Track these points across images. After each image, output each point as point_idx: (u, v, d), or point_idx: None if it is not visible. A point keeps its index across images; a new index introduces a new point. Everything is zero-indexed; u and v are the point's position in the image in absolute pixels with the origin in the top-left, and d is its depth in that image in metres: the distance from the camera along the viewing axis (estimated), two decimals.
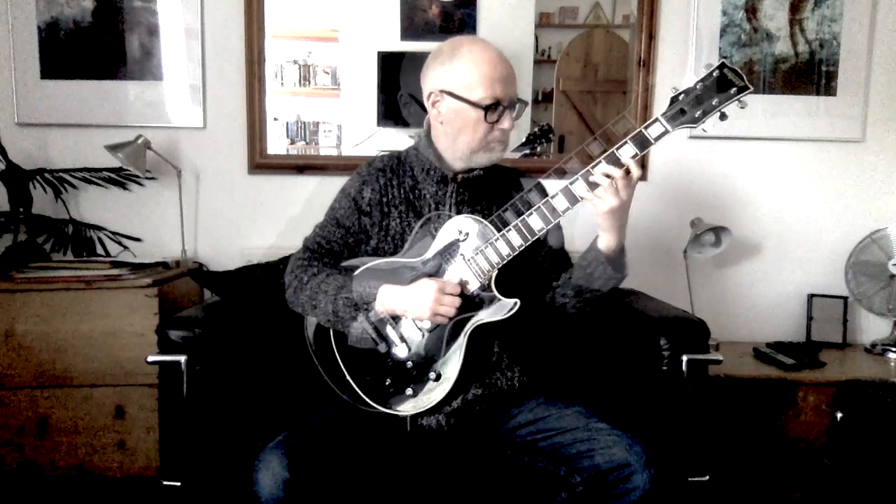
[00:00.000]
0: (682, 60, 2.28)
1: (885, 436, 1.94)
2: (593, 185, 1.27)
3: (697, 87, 1.26)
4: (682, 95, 1.26)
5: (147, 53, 2.24)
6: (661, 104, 2.28)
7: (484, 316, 1.32)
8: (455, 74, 1.36)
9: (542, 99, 2.41)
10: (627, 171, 1.26)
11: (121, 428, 1.93)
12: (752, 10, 2.27)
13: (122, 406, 1.92)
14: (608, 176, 1.25)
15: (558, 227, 1.40)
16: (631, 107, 2.30)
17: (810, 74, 2.29)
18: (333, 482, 1.21)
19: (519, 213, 1.33)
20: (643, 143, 1.26)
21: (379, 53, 2.33)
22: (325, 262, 1.45)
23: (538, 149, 2.35)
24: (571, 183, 1.29)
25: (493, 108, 1.35)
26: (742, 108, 1.26)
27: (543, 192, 1.35)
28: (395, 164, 1.49)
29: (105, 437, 1.93)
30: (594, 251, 1.37)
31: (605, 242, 1.35)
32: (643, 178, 2.26)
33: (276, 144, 2.34)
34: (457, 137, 1.39)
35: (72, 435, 1.92)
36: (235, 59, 2.24)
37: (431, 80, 1.40)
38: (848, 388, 1.96)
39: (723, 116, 1.26)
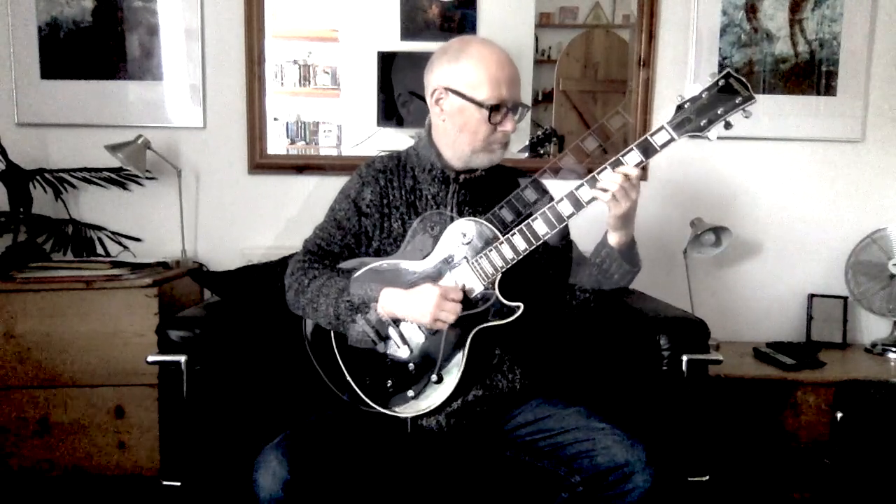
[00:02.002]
0: (682, 60, 2.28)
1: (885, 436, 1.94)
2: (604, 191, 1.28)
3: (703, 95, 1.27)
4: (688, 104, 1.28)
5: (147, 53, 2.23)
6: (660, 104, 2.28)
7: (487, 320, 1.32)
8: (462, 73, 1.35)
9: (542, 99, 2.41)
10: (628, 175, 1.28)
11: (121, 428, 1.93)
12: (752, 10, 2.26)
13: (122, 406, 1.92)
14: (618, 186, 1.27)
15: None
16: (629, 105, 2.30)
17: (810, 74, 2.29)
18: (333, 482, 1.21)
19: (516, 211, 1.34)
20: (648, 150, 1.29)
21: (379, 53, 2.33)
22: (326, 264, 1.45)
23: (541, 151, 2.35)
24: (577, 188, 1.30)
25: (496, 110, 1.35)
26: (746, 117, 1.27)
27: (539, 189, 1.37)
28: (395, 165, 1.48)
29: (105, 437, 1.93)
30: (607, 248, 1.38)
31: (616, 240, 1.37)
32: (643, 178, 2.27)
33: (276, 144, 2.34)
34: (458, 136, 1.38)
35: (72, 435, 1.92)
36: (235, 59, 2.24)
37: (437, 77, 1.39)
38: (848, 388, 1.96)
39: (727, 125, 1.27)
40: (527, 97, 2.33)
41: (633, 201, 1.30)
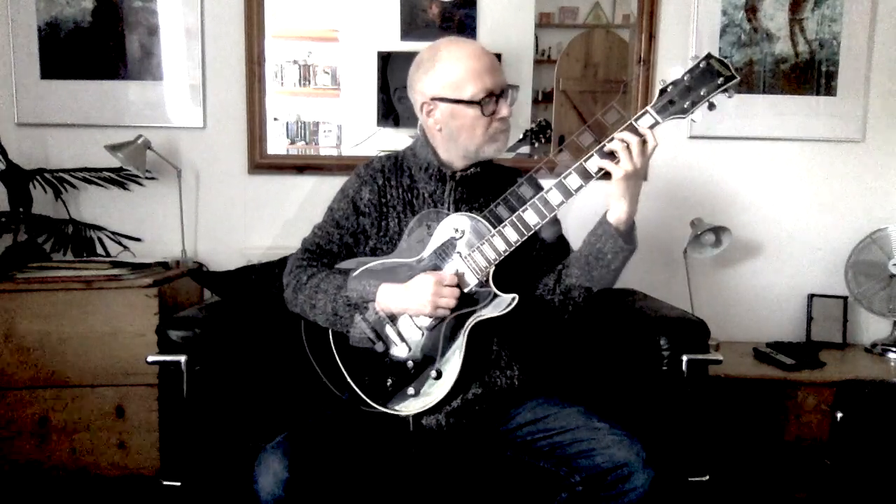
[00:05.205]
0: (682, 60, 2.27)
1: (885, 436, 1.94)
2: (608, 155, 1.27)
3: (685, 78, 1.27)
4: (671, 87, 1.28)
5: (147, 53, 2.23)
6: None
7: (483, 312, 1.32)
8: (441, 78, 1.35)
9: (542, 99, 2.41)
10: (644, 142, 1.26)
11: (121, 428, 1.93)
12: (752, 10, 2.26)
13: (122, 406, 1.92)
14: (624, 142, 1.25)
15: (555, 219, 1.39)
16: (629, 104, 2.30)
17: (810, 74, 2.29)
18: (333, 482, 1.21)
19: (511, 208, 1.34)
20: (635, 134, 1.27)
21: (379, 53, 2.33)
22: (324, 263, 1.45)
23: (536, 145, 2.34)
24: (566, 177, 1.29)
25: (487, 101, 1.35)
26: (729, 97, 1.28)
27: (535, 185, 1.36)
28: (392, 165, 1.49)
29: (105, 437, 1.93)
30: (604, 224, 1.34)
31: (617, 214, 1.31)
32: (644, 177, 2.27)
33: (276, 144, 2.35)
34: (458, 140, 1.38)
35: (72, 435, 1.92)
36: (235, 59, 2.24)
37: (420, 91, 1.39)
38: (848, 388, 1.96)
39: (711, 106, 1.28)
40: (527, 97, 2.33)
41: (638, 167, 1.26)
